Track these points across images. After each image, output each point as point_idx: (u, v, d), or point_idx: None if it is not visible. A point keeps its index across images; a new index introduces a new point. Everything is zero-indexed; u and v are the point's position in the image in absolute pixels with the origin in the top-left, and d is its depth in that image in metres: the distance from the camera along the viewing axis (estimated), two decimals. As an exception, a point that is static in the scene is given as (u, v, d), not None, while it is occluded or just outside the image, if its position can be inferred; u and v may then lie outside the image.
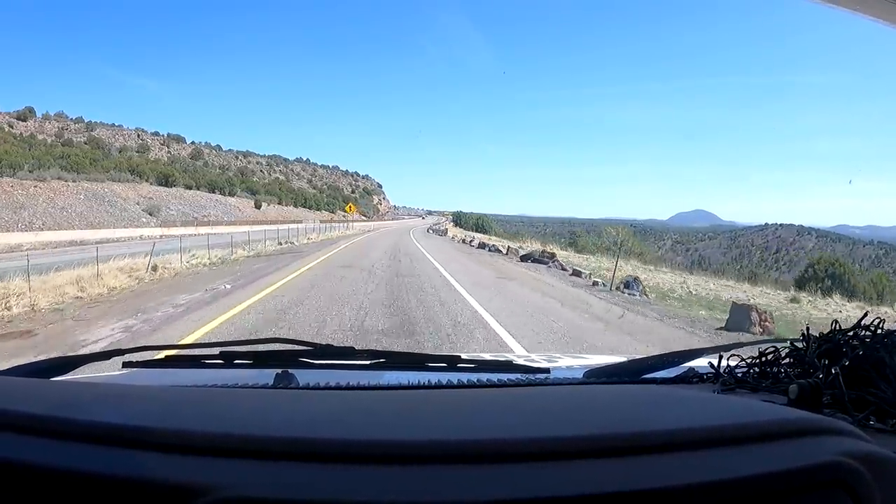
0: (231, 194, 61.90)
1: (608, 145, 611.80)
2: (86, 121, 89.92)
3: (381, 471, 0.46)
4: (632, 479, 0.45)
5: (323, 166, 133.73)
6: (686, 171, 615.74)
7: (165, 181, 54.46)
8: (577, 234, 71.02)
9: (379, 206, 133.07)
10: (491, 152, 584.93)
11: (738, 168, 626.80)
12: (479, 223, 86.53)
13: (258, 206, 61.30)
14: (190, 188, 56.70)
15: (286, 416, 0.59)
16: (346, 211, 43.93)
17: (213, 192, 59.74)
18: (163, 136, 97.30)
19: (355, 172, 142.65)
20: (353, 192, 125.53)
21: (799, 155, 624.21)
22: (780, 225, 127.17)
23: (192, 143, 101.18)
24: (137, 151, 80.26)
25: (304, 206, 79.28)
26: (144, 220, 40.12)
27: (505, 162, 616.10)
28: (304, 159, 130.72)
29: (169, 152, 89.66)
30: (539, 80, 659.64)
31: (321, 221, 53.18)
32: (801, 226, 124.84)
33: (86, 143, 74.34)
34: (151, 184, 52.82)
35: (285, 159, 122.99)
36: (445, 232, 50.22)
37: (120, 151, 73.22)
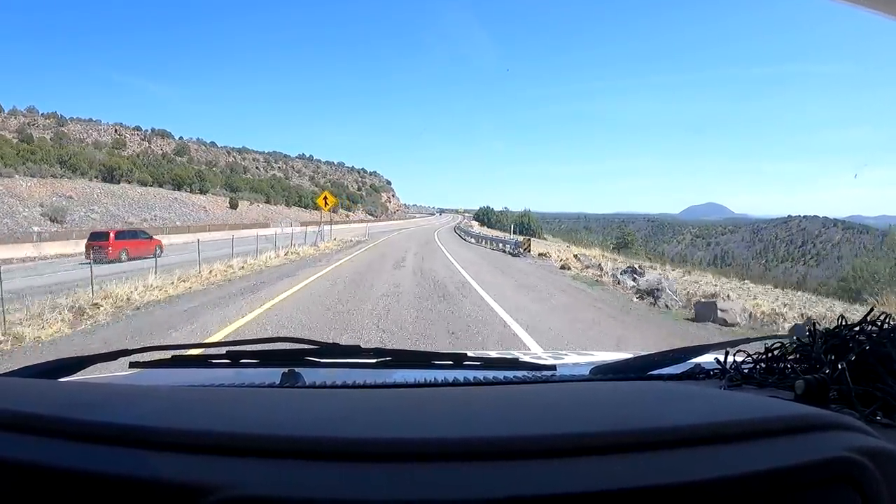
0: (203, 192, 48.55)
1: (617, 140, 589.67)
2: (59, 116, 77.45)
3: (388, 469, 0.45)
4: (639, 476, 0.45)
5: (327, 163, 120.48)
6: (696, 164, 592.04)
7: (111, 176, 41.32)
8: (627, 233, 57.02)
9: (388, 203, 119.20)
10: (499, 149, 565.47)
11: (749, 160, 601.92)
12: (522, 223, 64.49)
13: (234, 206, 47.90)
14: (146, 184, 43.61)
15: (293, 415, 0.59)
16: (321, 207, 24.33)
17: (179, 190, 46.59)
18: (144, 131, 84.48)
19: (362, 169, 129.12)
20: (359, 189, 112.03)
21: (809, 146, 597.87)
22: (804, 217, 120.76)
23: (181, 138, 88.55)
24: (115, 147, 67.87)
25: (299, 205, 65.80)
26: (37, 228, 26.62)
27: (513, 158, 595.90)
28: (308, 156, 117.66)
29: (150, 147, 77.45)
30: (545, 77, 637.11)
31: (301, 224, 38.76)
32: (826, 217, 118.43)
33: (50, 139, 62.38)
34: (91, 179, 39.73)
35: (286, 156, 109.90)
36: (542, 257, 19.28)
37: (85, 147, 60.26)
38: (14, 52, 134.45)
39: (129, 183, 42.95)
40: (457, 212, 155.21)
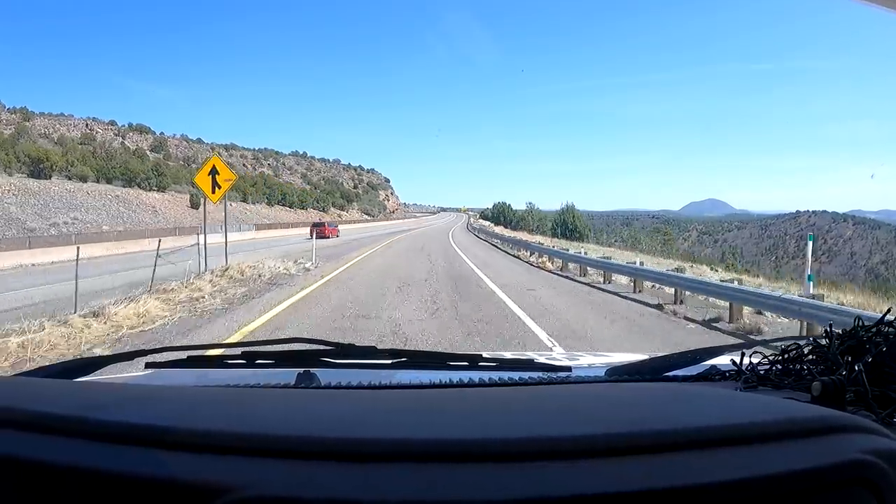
0: (162, 189, 40.16)
1: (617, 138, 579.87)
2: (27, 111, 69.37)
3: (403, 469, 0.45)
4: (655, 478, 0.44)
5: (321, 160, 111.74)
6: (696, 160, 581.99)
7: (38, 170, 33.02)
8: (666, 233, 48.61)
9: (386, 202, 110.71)
10: (499, 147, 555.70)
11: (748, 156, 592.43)
12: (565, 223, 47.66)
13: (195, 206, 39.42)
14: (85, 180, 35.29)
15: (308, 416, 0.58)
16: (200, 188, 11.00)
17: (130, 186, 38.24)
18: (120, 126, 76.25)
19: (359, 166, 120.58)
20: (355, 186, 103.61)
21: (809, 141, 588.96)
22: (813, 212, 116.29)
23: (161, 133, 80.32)
24: (81, 143, 59.72)
25: (283, 204, 57.42)
26: None
27: (513, 156, 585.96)
28: (301, 152, 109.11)
29: (123, 143, 69.33)
30: (545, 74, 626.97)
31: (262, 227, 30.50)
32: (836, 212, 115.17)
33: (9, 135, 54.33)
34: (12, 174, 31.43)
35: (277, 152, 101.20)
36: None
37: (33, 141, 51.86)
38: (14, 54, 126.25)
39: (69, 179, 34.69)
40: (459, 210, 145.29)
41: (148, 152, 65.78)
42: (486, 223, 67.85)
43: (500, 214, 73.89)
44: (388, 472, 0.44)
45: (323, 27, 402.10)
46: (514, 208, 77.69)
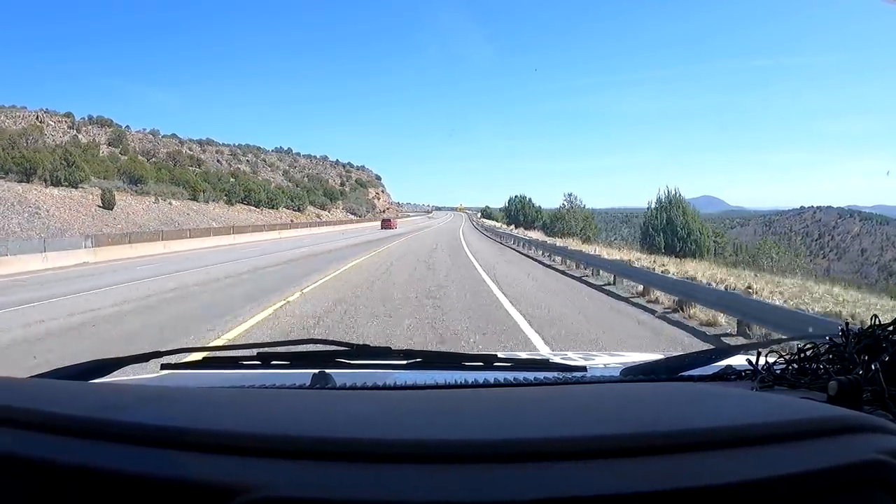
0: (73, 183, 31.30)
1: (612, 134, 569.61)
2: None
3: (418, 470, 0.44)
4: (672, 478, 0.43)
5: (307, 156, 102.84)
6: (690, 157, 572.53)
7: None
8: (717, 234, 37.48)
9: (377, 200, 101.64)
10: (494, 145, 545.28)
11: (742, 152, 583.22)
12: (668, 225, 25.60)
13: (108, 205, 30.61)
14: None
15: (323, 417, 0.58)
16: None
17: (28, 181, 29.51)
18: (80, 119, 67.38)
19: (348, 163, 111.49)
20: (342, 184, 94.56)
21: (803, 137, 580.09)
22: (818, 208, 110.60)
23: (127, 127, 71.43)
24: (21, 136, 51.17)
25: (247, 203, 48.47)
26: None
27: (508, 155, 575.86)
28: (286, 149, 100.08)
29: (76, 136, 60.88)
30: (538, 73, 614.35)
31: (103, 243, 20.61)
32: (841, 208, 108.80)
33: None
34: None
35: (258, 148, 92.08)
36: None
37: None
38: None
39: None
40: (456, 209, 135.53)
41: (103, 146, 57.16)
42: (493, 223, 56.31)
43: (519, 213, 56.64)
44: (403, 473, 0.43)
45: (317, 27, 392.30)
46: (536, 206, 57.63)
